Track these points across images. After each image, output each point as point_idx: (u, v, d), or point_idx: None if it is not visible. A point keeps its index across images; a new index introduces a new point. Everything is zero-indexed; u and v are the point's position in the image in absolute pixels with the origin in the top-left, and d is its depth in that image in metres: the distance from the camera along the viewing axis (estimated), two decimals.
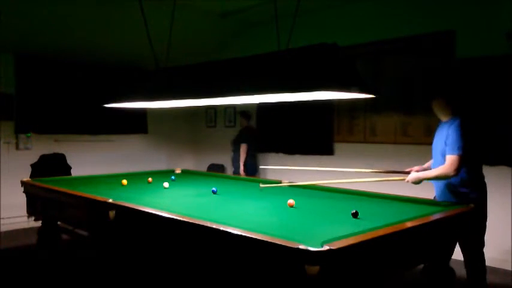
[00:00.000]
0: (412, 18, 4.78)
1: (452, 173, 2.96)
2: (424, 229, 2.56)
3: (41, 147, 5.94)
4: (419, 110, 4.80)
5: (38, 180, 4.28)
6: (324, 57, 2.43)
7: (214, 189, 3.64)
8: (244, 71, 2.86)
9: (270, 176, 5.73)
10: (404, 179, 3.21)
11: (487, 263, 4.22)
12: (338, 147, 5.55)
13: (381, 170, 3.64)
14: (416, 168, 3.41)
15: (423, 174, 3.13)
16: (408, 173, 3.31)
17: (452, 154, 2.97)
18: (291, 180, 4.14)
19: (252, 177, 5.14)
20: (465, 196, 3.06)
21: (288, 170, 5.84)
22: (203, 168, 6.83)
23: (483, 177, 3.20)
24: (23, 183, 4.21)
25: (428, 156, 3.39)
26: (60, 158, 5.91)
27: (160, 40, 3.83)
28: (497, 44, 4.17)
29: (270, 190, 3.72)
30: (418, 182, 3.13)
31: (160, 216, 2.72)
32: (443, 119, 3.22)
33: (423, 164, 3.48)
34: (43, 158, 5.80)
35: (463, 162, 2.96)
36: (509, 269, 4.17)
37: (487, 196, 3.18)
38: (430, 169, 3.30)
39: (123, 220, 3.03)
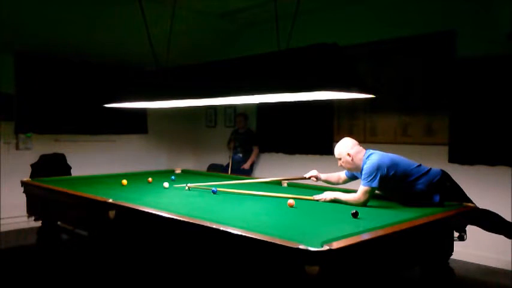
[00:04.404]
0: (412, 18, 4.77)
1: (361, 204, 3.03)
2: (423, 229, 2.56)
3: (41, 147, 5.93)
4: (419, 110, 4.80)
5: (38, 180, 4.28)
6: (324, 57, 2.43)
7: (214, 189, 3.64)
8: (244, 71, 2.86)
9: (270, 176, 5.71)
10: (313, 198, 3.23)
11: (487, 263, 4.23)
12: None
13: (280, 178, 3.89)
14: (319, 174, 3.56)
15: (341, 196, 3.14)
16: (307, 178, 3.57)
17: (365, 186, 3.03)
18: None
19: (252, 177, 5.14)
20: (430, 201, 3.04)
21: (288, 169, 5.87)
22: (203, 168, 6.82)
23: (425, 174, 3.11)
24: (23, 183, 4.21)
25: (428, 156, 3.38)
26: (60, 158, 5.91)
27: (160, 40, 3.83)
28: (497, 44, 4.16)
29: (270, 190, 3.71)
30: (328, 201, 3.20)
31: (160, 216, 2.73)
32: (359, 169, 3.18)
33: None
34: (43, 158, 5.80)
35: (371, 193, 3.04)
36: (509, 269, 4.16)
37: (451, 183, 3.13)
38: (330, 180, 3.56)
39: (123, 220, 3.03)
